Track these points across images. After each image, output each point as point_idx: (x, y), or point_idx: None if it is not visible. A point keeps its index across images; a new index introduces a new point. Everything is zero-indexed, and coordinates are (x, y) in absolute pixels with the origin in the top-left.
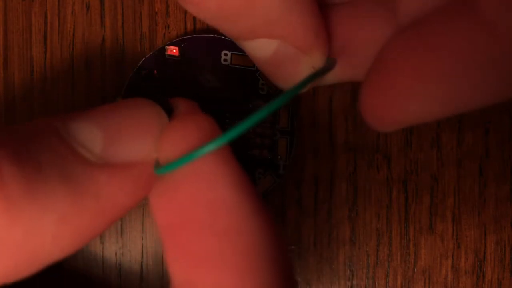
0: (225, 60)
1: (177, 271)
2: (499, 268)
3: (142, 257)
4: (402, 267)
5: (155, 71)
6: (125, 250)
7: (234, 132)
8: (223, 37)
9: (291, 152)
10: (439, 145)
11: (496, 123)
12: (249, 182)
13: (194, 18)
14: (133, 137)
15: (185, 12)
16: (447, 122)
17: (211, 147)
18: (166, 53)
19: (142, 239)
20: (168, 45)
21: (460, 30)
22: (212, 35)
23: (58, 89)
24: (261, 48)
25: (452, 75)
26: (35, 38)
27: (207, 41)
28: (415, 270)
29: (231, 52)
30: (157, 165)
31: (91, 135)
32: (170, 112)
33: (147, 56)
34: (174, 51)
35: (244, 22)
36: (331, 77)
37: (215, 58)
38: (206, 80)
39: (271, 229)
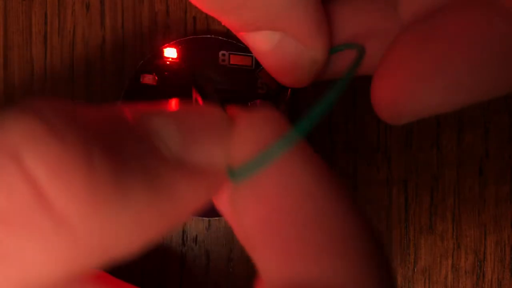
0: (223, 60)
1: (274, 266)
2: (499, 268)
3: (142, 257)
4: (402, 267)
5: (153, 74)
6: None
7: (307, 124)
8: (220, 37)
9: None
10: (439, 145)
11: (496, 123)
12: (325, 167)
13: (194, 18)
14: (206, 141)
15: (185, 12)
16: (447, 122)
17: (286, 144)
18: (164, 55)
19: None
20: (166, 47)
21: (478, 18)
22: (209, 36)
23: (58, 89)
24: (263, 41)
25: (470, 63)
26: (35, 38)
27: (204, 42)
28: (415, 270)
29: (229, 52)
30: (231, 171)
31: (170, 132)
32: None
33: (145, 59)
34: (172, 53)
35: (247, 13)
36: (331, 73)
37: (213, 58)
38: (205, 81)
39: (354, 210)
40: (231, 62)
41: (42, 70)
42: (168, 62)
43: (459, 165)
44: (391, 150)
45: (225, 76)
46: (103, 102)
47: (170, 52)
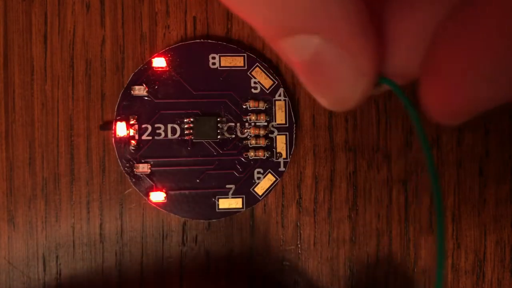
0: (214, 63)
1: None
2: (499, 268)
3: (142, 257)
4: (402, 267)
5: (143, 85)
6: (125, 249)
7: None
8: (209, 40)
9: (291, 148)
10: (439, 145)
11: (496, 123)
12: None
13: (194, 18)
14: None
15: (185, 12)
16: None
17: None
18: (153, 65)
19: (142, 238)
20: (155, 57)
21: None
22: (197, 41)
23: (58, 89)
24: (299, 48)
25: None
26: (35, 38)
27: (193, 47)
28: (415, 270)
29: (219, 54)
30: None
31: None
32: None
33: (136, 71)
34: (161, 62)
35: (281, 13)
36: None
37: (203, 63)
38: (197, 86)
39: None
40: (222, 64)
41: (42, 70)
42: (158, 72)
43: (459, 165)
44: (391, 150)
45: (217, 79)
46: (103, 102)
47: (159, 62)
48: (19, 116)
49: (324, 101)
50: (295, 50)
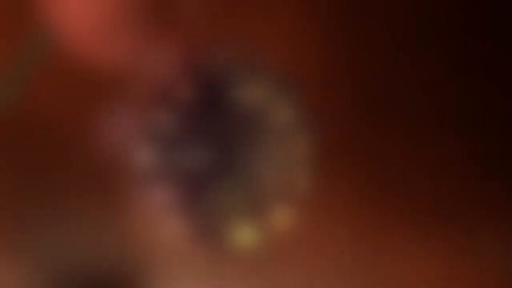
0: None
1: None
2: (499, 268)
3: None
4: (402, 267)
5: None
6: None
7: None
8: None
9: None
10: (439, 145)
11: (496, 123)
12: None
13: None
14: None
15: None
16: (447, 122)
17: None
18: None
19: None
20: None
21: None
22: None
23: (58, 89)
24: None
25: None
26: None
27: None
28: (415, 270)
29: None
30: None
31: None
32: None
33: None
34: None
35: None
36: None
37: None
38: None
39: None
40: None
41: (42, 70)
42: None
43: (459, 165)
44: (391, 150)
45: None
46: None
47: None
48: (18, 117)
49: None
50: None
